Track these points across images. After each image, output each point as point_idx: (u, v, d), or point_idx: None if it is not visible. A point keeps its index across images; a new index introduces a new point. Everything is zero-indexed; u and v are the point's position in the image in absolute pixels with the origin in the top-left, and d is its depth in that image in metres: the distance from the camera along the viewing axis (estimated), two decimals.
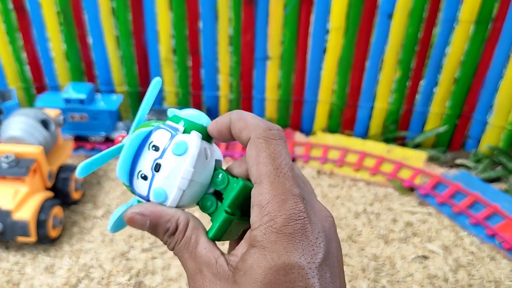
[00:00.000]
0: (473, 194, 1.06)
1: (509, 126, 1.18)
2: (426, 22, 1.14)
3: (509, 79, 1.13)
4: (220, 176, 0.33)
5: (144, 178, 0.32)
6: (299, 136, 1.29)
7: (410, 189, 1.12)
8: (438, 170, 1.16)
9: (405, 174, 1.15)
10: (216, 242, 0.33)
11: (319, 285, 0.26)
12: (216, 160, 0.34)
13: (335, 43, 1.19)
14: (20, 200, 0.91)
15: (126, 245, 0.97)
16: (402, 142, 1.29)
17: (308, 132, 1.35)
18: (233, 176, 0.33)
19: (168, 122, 0.34)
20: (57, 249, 0.96)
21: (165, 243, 0.32)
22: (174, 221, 0.31)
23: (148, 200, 0.33)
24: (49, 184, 0.99)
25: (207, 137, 0.34)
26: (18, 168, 0.92)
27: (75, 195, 1.06)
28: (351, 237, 0.99)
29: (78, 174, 0.32)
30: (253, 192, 0.29)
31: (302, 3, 1.16)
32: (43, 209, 0.93)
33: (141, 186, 0.33)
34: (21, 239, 0.91)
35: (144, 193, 0.33)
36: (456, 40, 1.14)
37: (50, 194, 0.97)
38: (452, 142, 1.28)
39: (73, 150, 1.21)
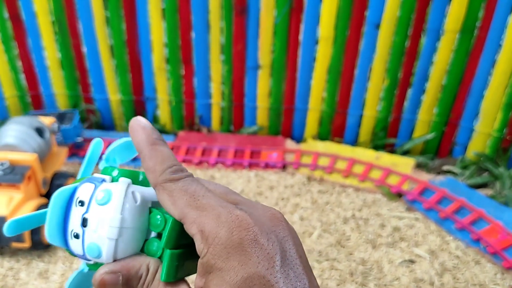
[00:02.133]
0: (459, 200, 1.08)
1: (495, 133, 1.21)
2: (412, 32, 1.17)
3: (494, 86, 1.16)
4: (158, 217, 0.30)
5: (76, 236, 0.30)
6: (290, 143, 1.32)
7: (398, 195, 1.14)
8: (425, 177, 1.19)
9: (393, 180, 1.17)
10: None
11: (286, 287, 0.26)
12: (152, 202, 0.32)
13: (324, 52, 1.22)
14: (15, 206, 0.93)
15: None
16: (391, 149, 1.32)
17: (299, 139, 1.37)
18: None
19: (95, 174, 0.32)
20: (51, 255, 0.98)
21: None
22: (145, 267, 0.30)
23: (87, 259, 0.31)
24: (44, 190, 1.01)
25: (141, 181, 0.32)
26: (13, 175, 0.94)
27: None
28: (340, 242, 1.01)
29: (5, 231, 0.30)
30: (186, 228, 0.28)
31: (292, 13, 1.19)
32: None
33: (75, 245, 0.31)
34: (15, 245, 0.93)
35: (80, 252, 0.30)
36: (442, 49, 1.17)
37: (44, 200, 0.99)
38: (440, 149, 1.30)
39: (67, 157, 1.23)
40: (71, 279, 0.32)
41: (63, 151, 1.13)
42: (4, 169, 0.94)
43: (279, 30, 1.21)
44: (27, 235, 0.92)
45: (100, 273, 0.29)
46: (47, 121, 1.08)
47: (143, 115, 1.40)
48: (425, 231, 1.04)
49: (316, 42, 1.22)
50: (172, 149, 1.27)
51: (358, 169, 1.21)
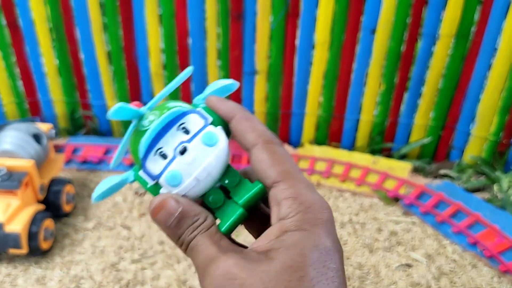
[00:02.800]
0: (455, 204, 1.09)
1: (492, 137, 1.22)
2: (408, 37, 1.18)
3: (490, 90, 1.17)
4: (232, 173, 0.32)
5: (163, 156, 0.31)
6: (287, 148, 1.32)
7: (395, 199, 1.14)
8: (422, 181, 1.19)
9: (390, 185, 1.18)
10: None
11: (342, 274, 0.28)
12: None
13: (320, 57, 1.22)
14: (12, 213, 0.93)
15: (116, 256, 0.99)
16: (387, 153, 1.32)
17: (296, 144, 1.38)
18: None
19: (199, 109, 0.33)
20: (48, 261, 0.98)
21: (179, 237, 0.31)
22: (203, 216, 0.31)
23: (155, 180, 0.32)
24: (41, 196, 1.01)
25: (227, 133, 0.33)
26: (10, 181, 0.94)
27: (67, 208, 1.08)
28: None
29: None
30: (276, 190, 0.30)
31: (288, 19, 1.19)
32: (35, 221, 0.95)
33: (155, 163, 0.31)
34: (12, 251, 0.93)
35: (156, 172, 0.31)
36: (438, 54, 1.17)
37: (41, 206, 0.99)
38: (437, 153, 1.31)
39: (64, 163, 1.23)
40: (108, 184, 0.33)
41: (61, 157, 1.13)
42: (1, 176, 0.94)
43: (276, 35, 1.21)
44: (24, 241, 0.92)
45: (165, 197, 0.31)
46: (45, 127, 1.09)
47: None
48: (422, 235, 1.05)
49: (313, 47, 1.23)
50: None
51: (355, 173, 1.21)
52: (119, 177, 0.33)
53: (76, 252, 1.00)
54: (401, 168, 1.22)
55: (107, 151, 1.29)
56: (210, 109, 0.33)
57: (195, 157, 0.31)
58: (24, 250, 0.93)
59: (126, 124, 1.39)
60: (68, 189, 1.08)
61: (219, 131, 0.32)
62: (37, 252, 0.96)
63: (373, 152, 1.31)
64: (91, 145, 1.30)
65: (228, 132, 0.33)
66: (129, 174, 0.33)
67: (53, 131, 1.09)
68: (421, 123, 1.28)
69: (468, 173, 1.22)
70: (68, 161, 1.26)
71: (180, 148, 0.31)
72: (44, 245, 0.97)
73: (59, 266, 0.97)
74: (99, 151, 1.28)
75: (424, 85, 1.23)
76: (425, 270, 0.96)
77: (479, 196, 1.15)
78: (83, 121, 1.41)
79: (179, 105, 0.33)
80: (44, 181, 1.02)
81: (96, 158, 1.26)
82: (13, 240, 0.92)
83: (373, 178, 1.20)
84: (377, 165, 1.23)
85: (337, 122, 1.32)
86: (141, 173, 0.32)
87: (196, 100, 0.34)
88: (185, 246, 0.31)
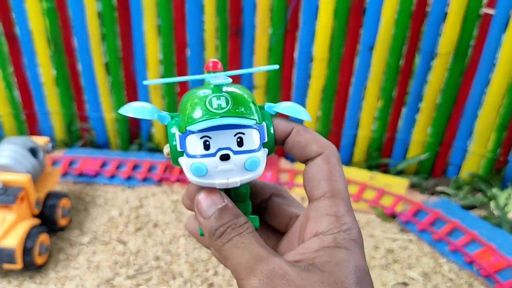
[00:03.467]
0: (452, 221, 1.09)
1: (489, 154, 1.22)
2: (406, 53, 1.18)
3: (488, 107, 1.17)
4: (245, 189, 0.34)
5: (206, 146, 0.30)
6: (284, 163, 1.32)
7: (392, 216, 1.14)
8: (419, 197, 1.19)
9: (387, 201, 1.17)
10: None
11: None
12: None
13: (319, 73, 1.22)
14: (7, 227, 0.92)
15: (111, 272, 0.98)
16: (385, 169, 1.32)
17: (293, 159, 1.37)
18: None
19: (263, 125, 0.32)
20: (43, 276, 0.97)
21: (216, 229, 0.31)
22: (244, 218, 0.31)
23: (182, 151, 0.31)
24: (36, 211, 1.00)
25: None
26: (6, 196, 0.94)
27: (62, 222, 1.07)
28: None
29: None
30: (321, 204, 0.31)
31: (287, 34, 1.19)
32: (30, 236, 0.94)
33: (196, 144, 0.31)
34: (7, 266, 0.92)
35: (190, 151, 0.30)
36: (436, 69, 1.17)
37: (37, 221, 0.99)
38: (434, 169, 1.31)
39: (61, 176, 1.23)
40: (143, 103, 0.31)
41: (57, 171, 1.12)
42: None
43: (274, 50, 1.21)
44: (19, 256, 0.91)
45: (212, 190, 0.31)
46: (41, 140, 1.08)
47: (138, 133, 1.40)
48: (419, 253, 1.04)
49: (311, 61, 1.23)
50: (166, 168, 1.27)
51: (352, 189, 1.21)
52: (156, 109, 0.31)
53: (71, 267, 0.99)
54: (398, 185, 1.22)
55: (104, 164, 1.28)
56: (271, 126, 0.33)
57: (228, 169, 0.30)
58: (18, 265, 0.92)
59: (122, 137, 1.38)
60: (64, 203, 1.08)
61: (263, 157, 0.32)
62: (31, 267, 0.96)
63: (370, 167, 1.31)
64: (87, 158, 1.29)
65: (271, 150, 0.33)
66: (166, 115, 0.32)
67: (50, 145, 1.09)
68: (418, 139, 1.28)
69: (465, 190, 1.22)
70: (65, 174, 1.25)
71: (223, 153, 0.30)
72: (39, 260, 0.96)
73: (53, 281, 0.96)
74: (95, 164, 1.27)
75: (422, 100, 1.23)
76: None
77: (475, 213, 1.15)
78: (80, 133, 1.41)
79: (250, 109, 0.32)
80: (40, 195, 1.02)
81: (93, 171, 1.25)
82: (8, 256, 0.91)
83: (370, 194, 1.19)
84: (374, 181, 1.23)
85: (335, 137, 1.32)
86: (174, 129, 0.31)
87: (267, 107, 0.34)
88: (224, 241, 0.30)
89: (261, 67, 0.32)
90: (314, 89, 1.25)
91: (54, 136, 1.40)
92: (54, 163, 1.27)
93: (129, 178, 1.25)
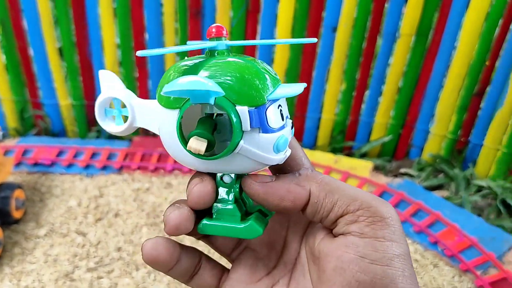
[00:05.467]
0: (416, 203, 1.09)
1: (450, 135, 1.23)
2: (369, 35, 1.17)
3: (449, 89, 1.18)
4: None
5: (282, 116, 0.28)
6: None
7: None
8: (383, 179, 1.19)
9: (352, 184, 1.17)
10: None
11: None
12: None
13: (281, 55, 1.20)
14: None
15: (70, 265, 0.94)
16: (349, 152, 1.32)
17: None
18: None
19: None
20: None
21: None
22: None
23: (259, 128, 0.26)
24: None
25: None
26: None
27: (16, 214, 1.02)
28: None
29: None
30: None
31: (249, 15, 1.16)
32: None
33: (276, 116, 0.27)
34: None
35: (274, 125, 0.27)
36: (398, 52, 1.17)
37: None
38: (397, 151, 1.31)
39: (14, 166, 1.17)
40: (194, 77, 0.25)
41: (10, 161, 1.06)
42: None
43: (236, 32, 1.18)
44: None
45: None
46: None
47: (96, 120, 1.35)
48: None
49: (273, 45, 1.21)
50: (126, 156, 1.23)
51: None
52: (206, 83, 0.24)
53: (27, 262, 0.95)
54: (363, 167, 1.21)
55: (60, 153, 1.23)
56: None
57: (259, 143, 0.27)
58: None
59: (80, 124, 1.33)
60: (18, 194, 1.02)
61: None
62: None
63: (334, 150, 1.31)
64: (42, 146, 1.24)
65: None
66: (218, 89, 0.25)
67: (1, 133, 1.03)
68: (381, 121, 1.28)
69: (428, 171, 1.23)
70: (18, 164, 1.19)
71: (291, 121, 0.29)
72: None
73: (8, 277, 0.91)
74: (51, 153, 1.22)
75: (384, 83, 1.23)
76: None
77: (438, 194, 1.16)
78: (34, 121, 1.34)
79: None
80: None
81: (48, 160, 1.19)
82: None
83: (335, 177, 1.18)
84: (339, 164, 1.22)
85: (299, 120, 1.30)
86: (240, 107, 0.26)
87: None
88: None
89: (298, 39, 0.29)
90: (277, 72, 1.23)
91: (6, 124, 1.33)
92: (7, 152, 1.21)
93: (87, 166, 1.20)
